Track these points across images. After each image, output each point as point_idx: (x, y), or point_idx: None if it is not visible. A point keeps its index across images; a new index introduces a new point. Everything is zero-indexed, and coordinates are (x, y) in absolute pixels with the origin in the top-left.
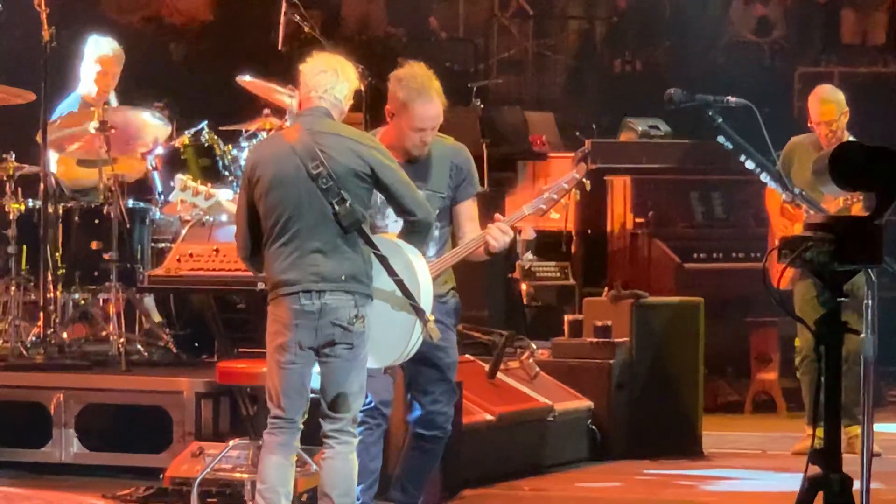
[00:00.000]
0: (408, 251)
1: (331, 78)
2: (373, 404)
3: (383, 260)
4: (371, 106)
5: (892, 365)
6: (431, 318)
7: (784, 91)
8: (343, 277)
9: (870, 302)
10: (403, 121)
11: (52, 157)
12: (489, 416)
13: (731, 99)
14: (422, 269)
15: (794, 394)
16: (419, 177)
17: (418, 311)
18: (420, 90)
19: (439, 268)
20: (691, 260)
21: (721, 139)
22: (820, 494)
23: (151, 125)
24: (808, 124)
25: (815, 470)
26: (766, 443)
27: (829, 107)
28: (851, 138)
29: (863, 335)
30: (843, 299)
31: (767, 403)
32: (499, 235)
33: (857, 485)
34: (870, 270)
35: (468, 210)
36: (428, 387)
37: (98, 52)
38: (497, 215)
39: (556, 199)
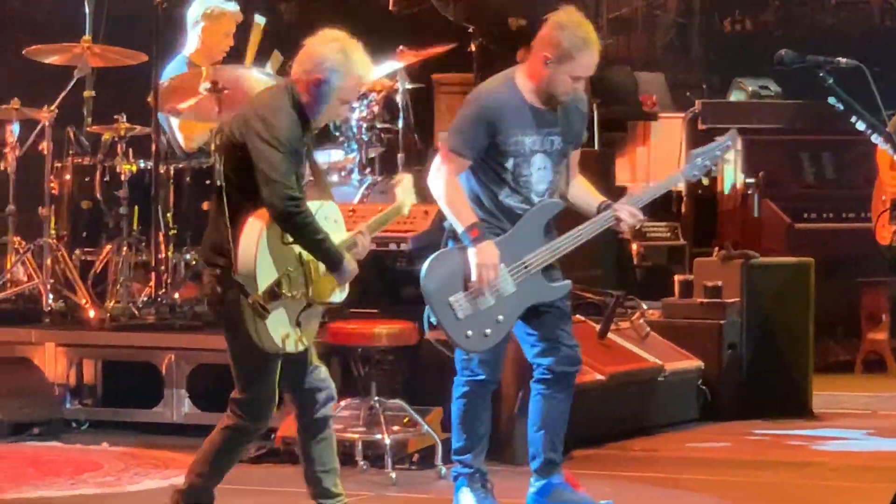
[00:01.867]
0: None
1: None
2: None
3: None
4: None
5: None
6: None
7: (895, 51)
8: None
9: None
10: (564, 67)
11: (175, 124)
12: (599, 376)
13: (842, 60)
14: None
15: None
16: (551, 123)
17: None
18: (586, 39)
19: (565, 249)
20: (802, 220)
21: (832, 100)
22: None
23: (262, 83)
24: None
25: None
26: (875, 403)
27: None
28: None
29: None
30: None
31: (877, 364)
32: (628, 218)
33: None
34: None
35: (577, 156)
36: (559, 326)
37: (203, 9)
38: (630, 190)
39: (709, 167)
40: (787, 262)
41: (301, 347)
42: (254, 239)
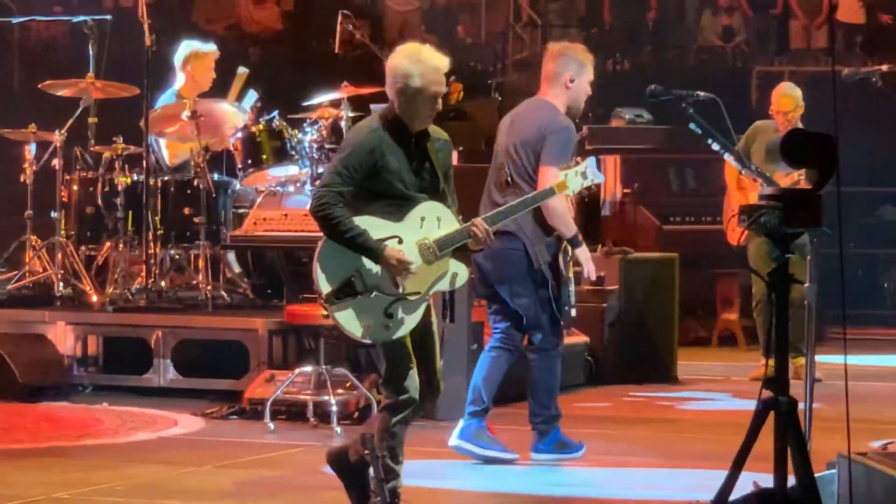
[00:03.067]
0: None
1: None
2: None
3: None
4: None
5: (831, 307)
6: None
7: (744, 87)
8: None
9: (811, 257)
10: (585, 78)
11: (163, 144)
12: None
13: (700, 94)
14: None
15: (752, 331)
16: None
17: None
18: (585, 52)
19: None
20: (669, 223)
21: (692, 126)
22: (771, 414)
23: (232, 114)
24: (770, 112)
25: (767, 394)
26: (729, 371)
27: (787, 99)
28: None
29: (807, 285)
30: (790, 255)
31: (730, 339)
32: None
33: (801, 405)
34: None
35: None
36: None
37: (188, 52)
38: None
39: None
40: (656, 257)
41: (389, 336)
42: (318, 249)
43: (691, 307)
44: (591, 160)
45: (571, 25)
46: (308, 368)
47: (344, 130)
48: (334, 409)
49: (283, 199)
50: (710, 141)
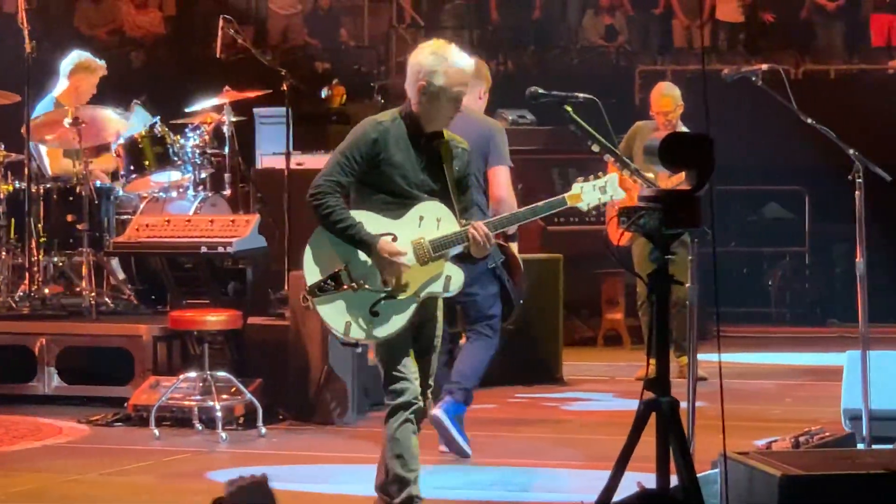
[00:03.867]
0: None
1: None
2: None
3: None
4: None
5: (715, 306)
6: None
7: (628, 86)
8: None
9: (692, 258)
10: None
11: (44, 151)
12: None
13: (580, 95)
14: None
15: (637, 331)
16: None
17: None
18: None
19: None
20: (553, 224)
21: (572, 127)
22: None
23: (114, 120)
24: (650, 112)
25: (649, 394)
26: (613, 371)
27: (666, 100)
28: (683, 127)
29: (688, 285)
30: (670, 256)
31: (615, 338)
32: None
33: (686, 405)
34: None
35: None
36: None
37: (79, 60)
38: None
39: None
40: (541, 258)
41: (373, 335)
42: (308, 241)
43: (576, 307)
44: (614, 177)
45: (461, 27)
46: (193, 374)
47: (226, 135)
48: (219, 414)
49: (166, 204)
50: (590, 142)
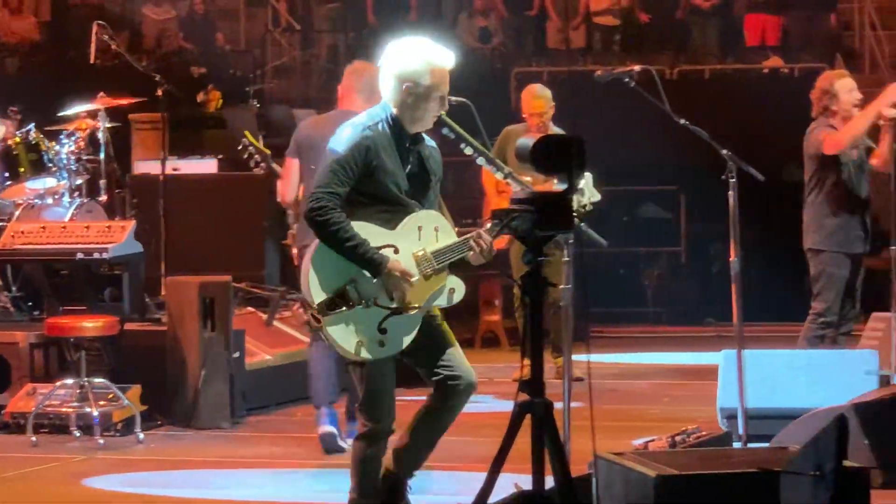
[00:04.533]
0: None
1: None
2: None
3: None
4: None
5: (592, 307)
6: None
7: (503, 88)
8: None
9: (567, 259)
10: None
11: None
12: (268, 357)
13: (452, 98)
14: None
15: (514, 332)
16: None
17: None
18: None
19: None
20: None
21: (445, 131)
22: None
23: None
24: (522, 114)
25: (524, 396)
26: (491, 372)
27: (539, 101)
28: (556, 128)
29: (561, 286)
30: (543, 258)
31: (493, 340)
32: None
33: (562, 405)
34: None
35: None
36: None
37: None
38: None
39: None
40: None
41: (384, 353)
42: (308, 257)
43: (454, 309)
44: (589, 176)
45: (337, 30)
46: (70, 381)
47: (101, 141)
48: (97, 421)
49: (41, 211)
50: (463, 145)
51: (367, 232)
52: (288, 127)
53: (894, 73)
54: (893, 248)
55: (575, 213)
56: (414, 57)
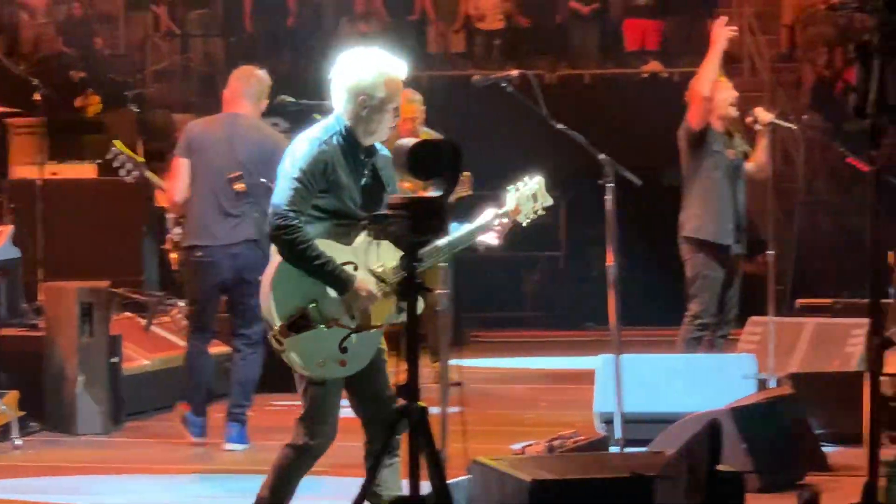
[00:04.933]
0: None
1: None
2: None
3: None
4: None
5: (471, 311)
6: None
7: None
8: None
9: (445, 264)
10: None
11: None
12: (146, 362)
13: (327, 104)
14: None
15: (394, 337)
16: None
17: None
18: None
19: None
20: None
21: None
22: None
23: None
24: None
25: (402, 401)
26: None
27: (412, 106)
28: (430, 131)
29: (438, 291)
30: (419, 263)
31: None
32: None
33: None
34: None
35: None
36: None
37: None
38: None
39: None
40: None
41: (345, 372)
42: (269, 276)
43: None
44: (540, 180)
45: (212, 34)
46: None
47: None
48: None
49: None
50: None
51: (326, 248)
52: (167, 132)
53: (774, 76)
54: (770, 252)
55: (527, 219)
56: (367, 69)
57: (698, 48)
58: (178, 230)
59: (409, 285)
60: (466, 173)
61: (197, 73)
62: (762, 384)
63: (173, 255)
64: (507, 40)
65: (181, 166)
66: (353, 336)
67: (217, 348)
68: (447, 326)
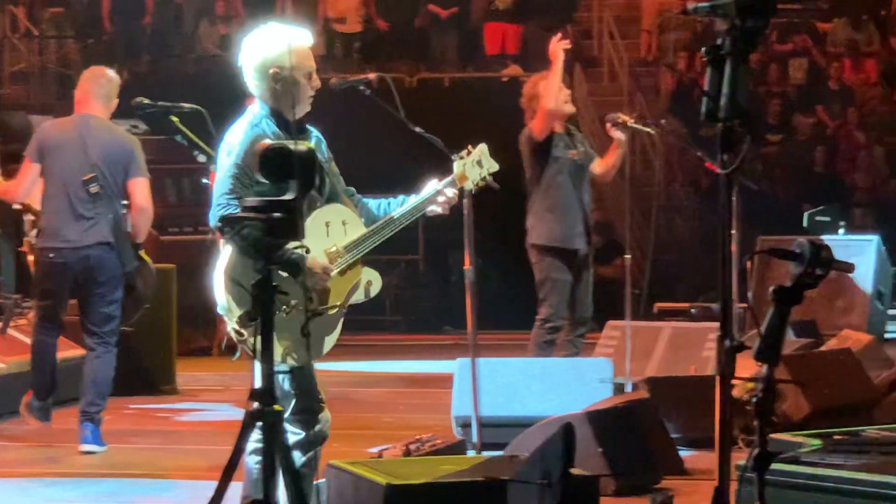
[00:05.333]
0: None
1: None
2: None
3: None
4: None
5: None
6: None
7: (242, 95)
8: None
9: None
10: None
11: None
12: (2, 365)
13: (185, 105)
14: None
15: None
16: None
17: None
18: None
19: None
20: (167, 234)
21: (178, 137)
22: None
23: None
24: None
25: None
26: (229, 380)
27: None
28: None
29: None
30: (274, 266)
31: (231, 348)
32: None
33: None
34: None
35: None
36: None
37: None
38: None
39: None
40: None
41: (311, 357)
42: (221, 267)
43: (191, 317)
44: (484, 147)
45: (68, 36)
46: None
47: None
48: None
49: None
50: (196, 152)
51: None
52: (25, 133)
53: (633, 81)
54: (627, 256)
55: (475, 185)
56: (269, 43)
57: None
58: (34, 233)
59: (264, 288)
60: None
61: (55, 74)
62: (619, 388)
63: (30, 258)
64: (366, 43)
65: (29, 169)
66: (314, 319)
67: (70, 351)
68: (306, 328)
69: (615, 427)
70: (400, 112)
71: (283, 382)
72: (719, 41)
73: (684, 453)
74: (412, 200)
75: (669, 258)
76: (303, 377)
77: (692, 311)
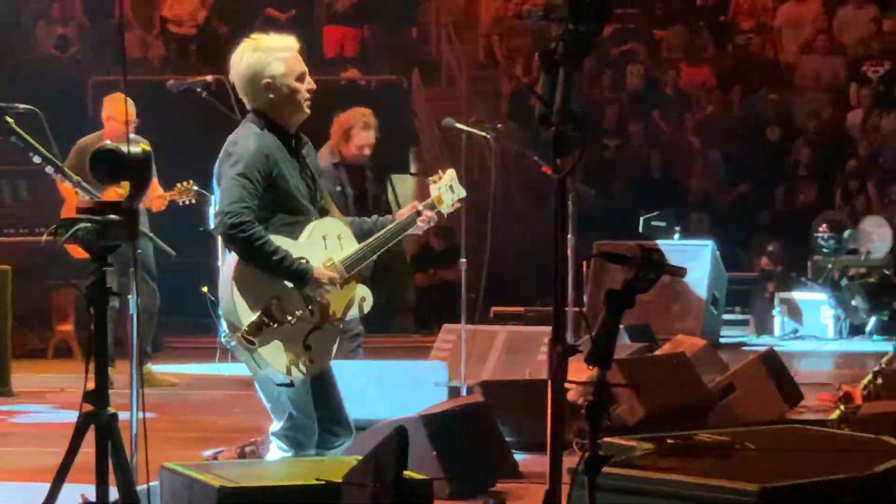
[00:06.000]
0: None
1: None
2: None
3: None
4: None
5: (167, 314)
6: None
7: (80, 97)
8: None
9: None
10: None
11: None
12: None
13: (20, 106)
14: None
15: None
16: None
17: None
18: None
19: None
20: (2, 235)
21: (13, 138)
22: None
23: None
24: (106, 119)
25: (89, 406)
26: (64, 382)
27: (131, 109)
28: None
29: (129, 296)
30: (108, 268)
31: (66, 350)
32: None
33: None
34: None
35: None
36: None
37: None
38: None
39: None
40: None
41: (313, 371)
42: (228, 275)
43: (26, 319)
44: (453, 171)
45: None
46: None
47: None
48: None
49: None
50: (31, 154)
51: (280, 244)
52: None
53: (470, 85)
54: (462, 260)
55: (449, 209)
56: (256, 55)
57: (398, 56)
58: None
59: (98, 290)
60: (187, 183)
61: None
62: (454, 391)
63: None
64: (203, 45)
65: None
66: (315, 332)
67: None
68: (139, 332)
69: (450, 430)
70: (236, 114)
71: (280, 396)
72: (553, 45)
73: (519, 457)
74: (389, 228)
75: (506, 262)
76: (300, 391)
77: (528, 314)
